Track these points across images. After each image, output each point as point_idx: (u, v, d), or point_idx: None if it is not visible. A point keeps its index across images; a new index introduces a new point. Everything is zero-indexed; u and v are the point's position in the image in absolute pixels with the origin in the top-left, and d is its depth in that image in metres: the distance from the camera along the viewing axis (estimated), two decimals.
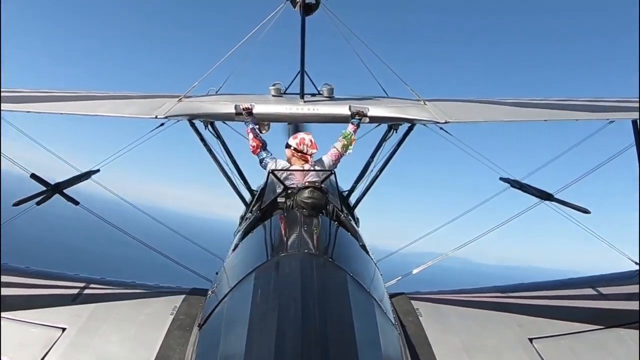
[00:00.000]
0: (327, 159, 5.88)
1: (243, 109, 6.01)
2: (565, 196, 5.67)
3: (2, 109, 5.52)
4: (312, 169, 5.64)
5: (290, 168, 5.66)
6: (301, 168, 5.62)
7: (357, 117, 6.00)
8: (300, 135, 5.85)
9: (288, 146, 5.81)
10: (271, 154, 5.91)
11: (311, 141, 5.75)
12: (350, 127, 6.01)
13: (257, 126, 6.19)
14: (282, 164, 5.78)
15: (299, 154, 5.70)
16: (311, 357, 2.45)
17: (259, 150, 5.91)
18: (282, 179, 5.41)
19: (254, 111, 6.11)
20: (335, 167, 5.88)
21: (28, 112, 5.92)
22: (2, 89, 6.16)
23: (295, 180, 5.48)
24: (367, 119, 6.04)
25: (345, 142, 5.92)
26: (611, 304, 5.07)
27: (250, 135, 5.96)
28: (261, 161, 5.87)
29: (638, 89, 6.20)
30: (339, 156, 5.92)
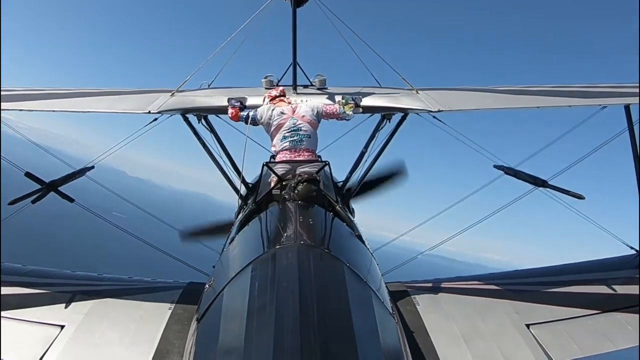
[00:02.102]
0: (317, 106, 5.91)
1: (235, 102, 5.99)
2: (560, 182, 5.69)
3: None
4: (302, 109, 5.74)
5: (281, 110, 5.72)
6: (291, 109, 5.72)
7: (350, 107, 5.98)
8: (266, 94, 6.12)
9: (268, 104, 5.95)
10: (252, 109, 5.93)
11: (276, 89, 6.12)
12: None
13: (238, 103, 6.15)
14: (267, 106, 5.84)
15: (277, 99, 5.94)
16: (310, 348, 2.45)
17: (238, 113, 5.92)
18: (274, 119, 5.61)
19: (247, 104, 6.11)
20: (323, 117, 5.89)
21: (21, 110, 5.90)
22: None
23: (285, 117, 5.61)
24: (360, 109, 6.02)
25: (343, 103, 5.91)
26: (607, 289, 5.11)
27: (229, 109, 5.97)
28: (246, 119, 5.83)
29: (638, 76, 6.18)
30: (335, 113, 5.91)
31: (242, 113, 5.86)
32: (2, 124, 5.68)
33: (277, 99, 5.93)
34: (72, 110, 6.22)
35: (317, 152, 5.74)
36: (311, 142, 5.64)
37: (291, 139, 5.53)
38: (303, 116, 5.63)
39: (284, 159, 5.49)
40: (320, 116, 5.81)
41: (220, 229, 7.60)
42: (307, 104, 5.80)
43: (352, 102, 5.88)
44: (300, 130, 5.56)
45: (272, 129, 5.64)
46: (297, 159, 5.46)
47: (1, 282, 4.77)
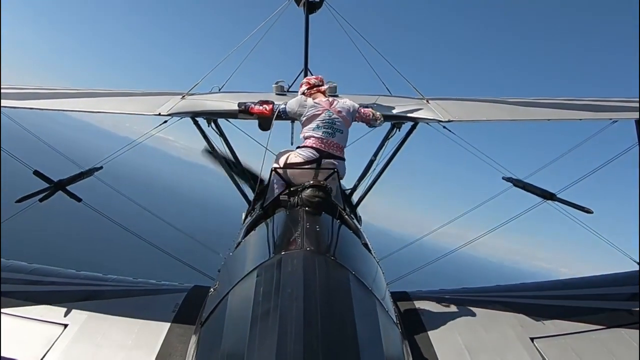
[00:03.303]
0: (354, 104, 5.86)
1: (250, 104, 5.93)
2: (568, 196, 5.66)
3: (4, 105, 5.52)
4: (339, 104, 5.69)
5: (316, 101, 5.67)
6: (328, 102, 5.67)
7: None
8: (304, 79, 6.05)
9: (302, 93, 5.92)
10: (282, 103, 5.84)
11: (315, 76, 6.00)
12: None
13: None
14: (298, 99, 5.77)
15: (314, 88, 5.86)
16: (313, 356, 2.44)
17: (271, 107, 5.81)
18: (308, 110, 5.57)
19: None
20: (356, 117, 5.86)
21: (31, 108, 5.90)
22: (5, 86, 6.15)
23: (321, 108, 5.58)
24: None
25: (377, 117, 5.95)
26: (613, 304, 5.07)
27: (256, 107, 5.86)
28: (283, 113, 5.76)
29: (639, 88, 6.17)
30: (368, 117, 5.93)
31: (274, 109, 5.78)
32: (2, 119, 5.67)
33: (314, 89, 5.90)
34: (81, 110, 6.22)
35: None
36: (342, 138, 5.62)
37: (325, 129, 5.51)
38: (339, 111, 5.61)
39: (314, 145, 5.47)
40: (354, 115, 5.79)
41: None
42: (343, 101, 5.78)
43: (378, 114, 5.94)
44: (335, 124, 5.55)
45: (305, 119, 5.61)
46: (327, 150, 5.47)
47: (1, 279, 4.80)
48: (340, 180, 5.54)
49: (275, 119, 5.78)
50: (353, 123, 5.88)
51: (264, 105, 5.81)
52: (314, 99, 5.75)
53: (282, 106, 5.72)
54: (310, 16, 7.25)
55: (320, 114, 5.54)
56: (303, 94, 5.90)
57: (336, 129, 5.55)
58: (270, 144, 6.08)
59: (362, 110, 5.87)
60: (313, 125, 5.54)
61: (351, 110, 5.74)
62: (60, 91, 7.15)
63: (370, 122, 5.95)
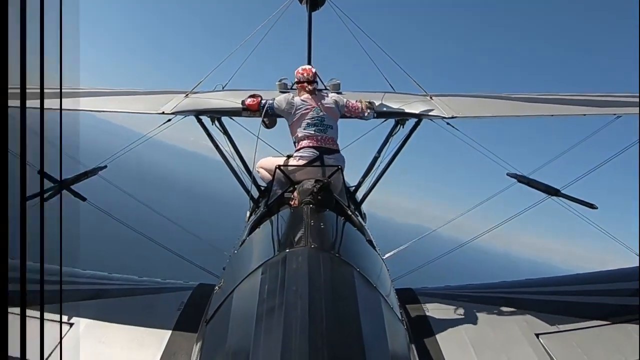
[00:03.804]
0: (341, 98, 5.89)
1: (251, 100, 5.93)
2: (573, 192, 5.65)
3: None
4: (326, 100, 5.72)
5: (304, 99, 5.67)
6: (315, 99, 5.67)
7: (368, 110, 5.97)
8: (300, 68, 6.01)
9: (287, 94, 5.92)
10: (270, 98, 5.84)
11: (304, 69, 5.89)
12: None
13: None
14: (286, 96, 5.78)
15: (299, 85, 5.84)
16: (318, 353, 2.44)
17: (258, 102, 5.79)
18: (296, 108, 5.57)
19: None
20: (345, 111, 5.85)
21: (34, 108, 5.90)
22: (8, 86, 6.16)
23: (309, 106, 5.59)
24: (375, 112, 6.03)
25: (367, 106, 5.91)
26: (618, 299, 5.07)
27: (247, 101, 5.84)
28: (270, 108, 5.74)
29: (639, 85, 6.15)
30: (357, 110, 5.89)
31: (261, 104, 5.76)
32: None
33: (299, 84, 5.87)
34: (85, 109, 6.22)
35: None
36: (334, 132, 5.64)
37: (316, 127, 5.53)
38: (327, 107, 5.63)
39: (311, 145, 5.48)
40: (342, 110, 5.81)
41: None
42: (330, 96, 5.81)
43: (369, 103, 5.90)
44: (324, 120, 5.57)
45: (294, 118, 5.61)
46: (324, 145, 5.49)
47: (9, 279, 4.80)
48: (344, 177, 5.53)
49: (264, 116, 5.83)
50: (350, 121, 5.89)
51: (251, 98, 5.82)
52: (300, 96, 5.76)
53: (270, 101, 5.72)
54: (313, 13, 7.26)
55: (308, 112, 5.57)
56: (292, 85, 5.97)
57: (327, 125, 5.57)
58: (273, 143, 6.08)
59: (351, 104, 5.86)
60: (303, 124, 5.55)
61: (340, 104, 5.77)
62: (62, 90, 7.15)
63: (360, 115, 5.92)
